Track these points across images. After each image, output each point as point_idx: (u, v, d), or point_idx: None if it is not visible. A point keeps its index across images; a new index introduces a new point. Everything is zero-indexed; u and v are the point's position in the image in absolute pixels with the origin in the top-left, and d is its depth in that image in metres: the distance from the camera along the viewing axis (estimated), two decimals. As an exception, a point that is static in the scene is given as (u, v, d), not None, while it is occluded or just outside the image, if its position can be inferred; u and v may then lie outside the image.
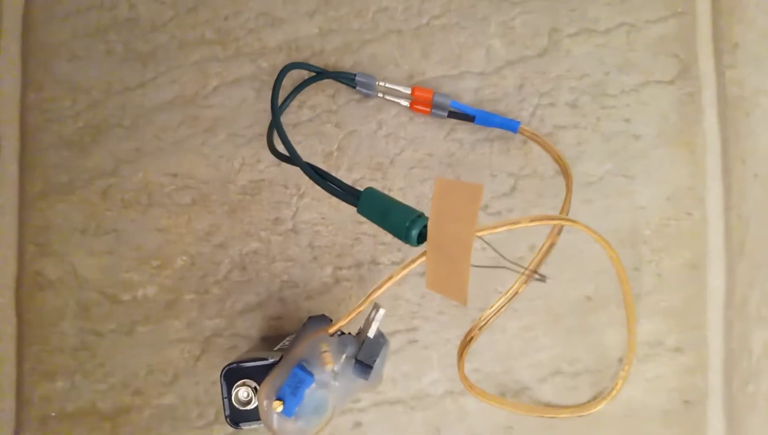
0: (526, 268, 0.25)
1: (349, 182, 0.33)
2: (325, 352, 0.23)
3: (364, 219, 0.24)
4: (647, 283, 0.33)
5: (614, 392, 0.32)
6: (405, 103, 0.33)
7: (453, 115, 0.32)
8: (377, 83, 0.32)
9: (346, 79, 0.32)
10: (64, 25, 0.33)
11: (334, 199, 0.32)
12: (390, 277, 0.23)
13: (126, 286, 0.33)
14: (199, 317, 0.33)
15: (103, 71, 0.33)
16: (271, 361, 0.26)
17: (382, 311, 0.24)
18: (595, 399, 0.33)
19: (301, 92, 0.33)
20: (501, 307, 0.27)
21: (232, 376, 0.26)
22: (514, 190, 0.33)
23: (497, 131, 0.33)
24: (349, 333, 0.25)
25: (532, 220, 0.23)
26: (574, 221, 0.24)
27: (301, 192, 0.33)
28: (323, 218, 0.33)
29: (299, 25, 0.33)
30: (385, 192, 0.33)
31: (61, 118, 0.33)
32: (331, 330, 0.24)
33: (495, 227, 0.22)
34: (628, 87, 0.33)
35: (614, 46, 0.33)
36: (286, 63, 0.33)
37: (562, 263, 0.33)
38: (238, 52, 0.33)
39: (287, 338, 0.30)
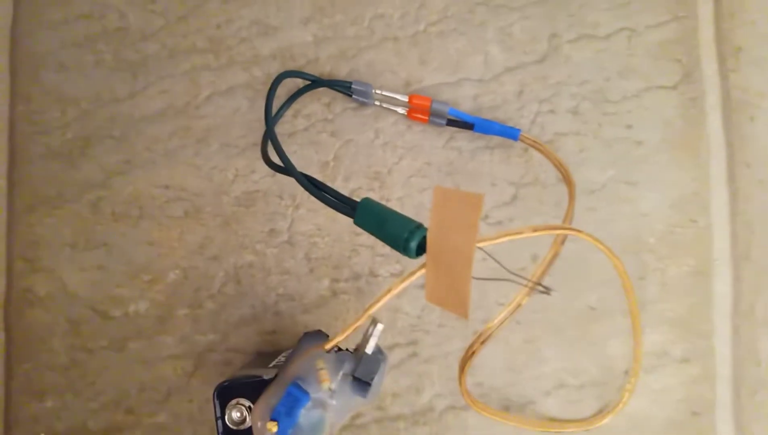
0: (529, 280, 0.24)
1: (346, 192, 0.32)
2: (321, 369, 0.22)
3: (361, 230, 0.23)
4: (652, 292, 0.32)
5: (620, 405, 0.31)
6: (402, 111, 0.32)
7: (452, 123, 0.32)
8: (374, 91, 0.31)
9: (342, 87, 0.32)
10: (52, 35, 0.32)
11: (331, 210, 0.32)
12: (388, 291, 0.22)
13: (117, 301, 0.32)
14: (193, 332, 0.32)
15: (93, 82, 0.32)
16: (266, 378, 0.25)
17: (380, 326, 0.23)
18: (600, 412, 0.32)
19: (296, 101, 0.32)
20: (503, 321, 0.26)
21: (225, 394, 0.25)
22: (515, 198, 0.32)
23: (497, 139, 0.32)
24: (347, 349, 0.24)
25: (535, 230, 0.22)
26: (577, 231, 0.23)
27: (296, 203, 0.32)
28: (319, 229, 0.32)
29: (293, 33, 0.33)
30: (383, 202, 0.32)
31: (49, 130, 0.32)
32: (328, 346, 0.23)
33: (496, 238, 0.21)
34: (629, 93, 0.33)
35: (615, 52, 0.33)
36: (280, 72, 0.32)
37: (565, 273, 0.32)
38: (230, 61, 0.33)
39: (283, 353, 0.29)
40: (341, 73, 0.33)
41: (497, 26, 0.33)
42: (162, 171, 0.32)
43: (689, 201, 0.33)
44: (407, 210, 0.32)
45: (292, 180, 0.27)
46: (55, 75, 0.33)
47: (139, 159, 0.32)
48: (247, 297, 0.32)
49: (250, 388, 0.25)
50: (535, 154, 0.32)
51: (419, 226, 0.21)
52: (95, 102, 0.32)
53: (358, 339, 0.24)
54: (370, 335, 0.23)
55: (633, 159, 0.33)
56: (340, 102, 0.32)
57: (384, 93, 0.31)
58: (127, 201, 0.32)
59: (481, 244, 0.20)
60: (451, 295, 0.20)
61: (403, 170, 0.32)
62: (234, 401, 0.24)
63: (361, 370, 0.23)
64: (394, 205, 0.32)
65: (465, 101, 0.33)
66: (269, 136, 0.27)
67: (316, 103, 0.32)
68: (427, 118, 0.32)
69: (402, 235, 0.21)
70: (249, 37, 0.33)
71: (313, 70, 0.33)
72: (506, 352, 0.32)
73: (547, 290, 0.21)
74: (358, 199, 0.23)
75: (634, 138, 0.33)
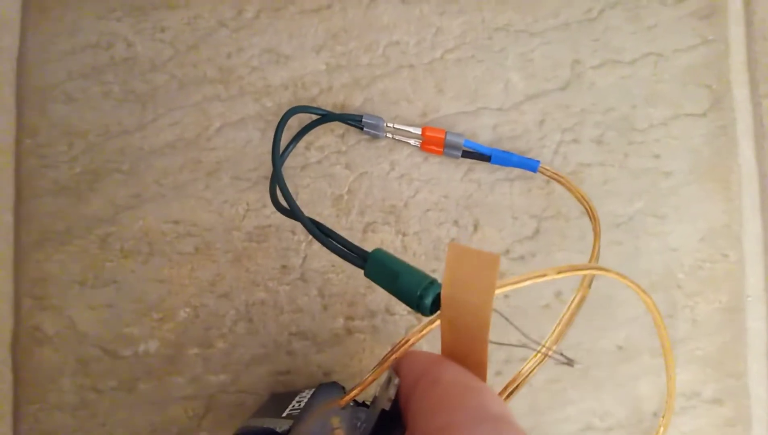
0: (549, 349, 0.23)
1: (360, 227, 0.31)
2: (337, 429, 0.21)
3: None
4: (682, 329, 0.31)
5: (650, 449, 0.30)
6: (415, 143, 0.31)
7: (467, 154, 0.30)
8: (385, 124, 0.30)
9: (353, 121, 0.30)
10: (59, 67, 0.32)
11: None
12: (407, 341, 0.21)
13: (127, 340, 0.31)
14: (204, 373, 0.31)
15: (101, 114, 0.32)
16: (278, 431, 0.24)
17: (397, 380, 0.22)
18: (628, 456, 0.30)
19: (309, 133, 0.31)
20: (524, 378, 0.25)
21: None
22: (537, 232, 0.31)
23: (518, 170, 0.31)
24: (363, 402, 0.23)
25: (559, 272, 0.20)
26: (605, 269, 0.22)
27: (309, 238, 0.31)
28: (333, 266, 0.31)
29: (305, 62, 0.32)
30: (399, 236, 0.31)
31: (57, 164, 0.31)
32: (343, 402, 0.22)
33: (518, 282, 0.20)
34: (656, 120, 0.31)
35: (641, 78, 0.31)
36: (292, 101, 0.31)
37: (590, 311, 0.30)
38: (241, 91, 0.32)
39: (297, 397, 0.28)
40: (355, 102, 0.31)
41: (517, 52, 0.32)
42: (172, 205, 0.31)
43: (720, 234, 0.31)
44: (424, 245, 0.31)
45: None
46: (63, 107, 0.32)
47: (148, 193, 0.31)
48: (259, 336, 0.31)
49: None
50: (557, 186, 0.31)
51: (433, 282, 0.20)
52: (103, 135, 0.32)
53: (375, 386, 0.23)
54: (388, 390, 0.22)
55: (661, 190, 0.31)
56: (353, 133, 0.31)
57: (396, 126, 0.30)
58: (136, 237, 0.31)
59: (501, 290, 0.19)
60: (469, 357, 0.19)
61: (419, 204, 0.31)
62: None
63: (379, 430, 0.21)
64: (411, 241, 0.31)
65: (484, 131, 0.31)
66: (276, 179, 0.26)
67: (329, 135, 0.31)
68: (441, 150, 0.30)
69: (415, 292, 0.20)
70: (260, 66, 0.32)
71: (326, 100, 0.32)
72: (529, 393, 0.31)
73: (570, 362, 0.20)
74: (368, 250, 0.22)
75: (661, 168, 0.31)
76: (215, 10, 0.32)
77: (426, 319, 0.20)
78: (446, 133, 0.30)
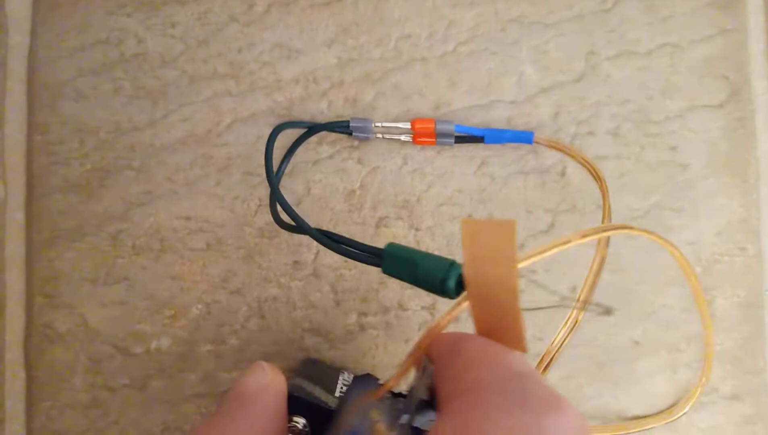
0: (586, 303, 0.22)
1: (373, 222, 0.31)
2: (377, 422, 0.21)
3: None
4: (699, 324, 0.30)
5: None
6: (407, 138, 0.30)
7: (461, 140, 0.30)
8: (373, 125, 0.30)
9: (340, 128, 0.30)
10: (69, 63, 0.31)
11: (358, 241, 0.30)
12: (437, 325, 0.21)
13: (139, 337, 0.31)
14: (216, 370, 0.31)
15: (111, 110, 0.31)
16: (332, 408, 0.23)
17: (432, 367, 0.22)
18: (645, 452, 0.30)
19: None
20: (559, 347, 0.24)
21: (290, 404, 0.23)
22: (552, 226, 0.31)
23: (532, 163, 0.31)
24: (400, 393, 0.23)
25: (584, 236, 0.20)
26: (630, 227, 0.22)
27: (322, 234, 0.31)
28: (346, 261, 0.31)
29: (317, 56, 0.31)
30: (412, 231, 0.31)
31: (67, 161, 0.31)
32: (378, 395, 0.21)
33: (543, 251, 0.19)
34: (673, 112, 0.31)
35: (657, 69, 0.31)
36: (303, 96, 0.31)
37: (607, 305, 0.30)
38: (252, 87, 0.31)
39: (341, 379, 0.27)
40: (367, 96, 0.31)
41: (531, 44, 0.31)
42: (183, 202, 0.31)
43: (738, 228, 0.31)
44: (438, 240, 0.31)
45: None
46: (73, 104, 0.32)
47: (159, 190, 0.31)
48: (271, 332, 0.31)
49: (312, 412, 0.23)
50: (573, 180, 0.31)
51: (453, 264, 0.19)
52: (114, 131, 0.31)
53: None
54: (425, 378, 0.22)
55: (677, 184, 0.31)
56: (366, 128, 0.31)
57: (384, 124, 0.30)
58: (147, 233, 0.31)
59: (528, 261, 0.18)
60: (504, 330, 0.19)
61: (432, 198, 0.31)
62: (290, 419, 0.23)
63: (420, 419, 0.21)
64: (424, 235, 0.31)
65: (498, 124, 0.31)
66: (274, 196, 0.26)
67: (341, 130, 0.31)
68: (434, 140, 0.30)
69: (437, 276, 0.19)
70: (271, 60, 0.31)
71: (338, 94, 0.31)
72: (544, 390, 0.30)
73: (608, 310, 0.19)
74: (381, 247, 0.22)
75: (678, 161, 0.31)
76: (226, 5, 0.32)
77: (438, 305, 0.20)
78: (435, 121, 0.30)
